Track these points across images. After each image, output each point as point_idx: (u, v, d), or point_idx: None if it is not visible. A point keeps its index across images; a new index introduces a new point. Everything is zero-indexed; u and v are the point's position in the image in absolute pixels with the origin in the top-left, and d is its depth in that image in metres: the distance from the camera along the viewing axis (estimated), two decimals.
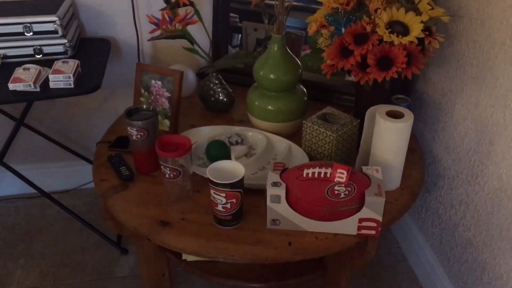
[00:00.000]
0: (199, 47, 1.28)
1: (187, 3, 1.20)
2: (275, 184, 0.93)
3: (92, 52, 1.39)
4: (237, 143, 1.18)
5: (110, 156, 1.16)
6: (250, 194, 1.01)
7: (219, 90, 1.33)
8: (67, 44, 1.31)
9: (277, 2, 1.09)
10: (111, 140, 1.23)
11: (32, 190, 1.45)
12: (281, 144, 1.19)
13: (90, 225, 1.51)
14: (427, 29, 1.05)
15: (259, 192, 1.02)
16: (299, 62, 1.20)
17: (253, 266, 1.15)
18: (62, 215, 1.67)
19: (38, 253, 1.55)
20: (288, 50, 1.18)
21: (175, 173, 0.99)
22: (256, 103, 1.22)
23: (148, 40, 1.27)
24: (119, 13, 1.48)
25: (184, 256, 1.16)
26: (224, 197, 0.92)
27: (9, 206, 1.74)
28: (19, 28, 1.27)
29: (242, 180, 0.93)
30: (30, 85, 1.16)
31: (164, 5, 1.26)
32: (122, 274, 1.48)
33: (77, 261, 1.52)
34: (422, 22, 1.02)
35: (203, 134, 1.22)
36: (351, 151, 1.15)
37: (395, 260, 1.54)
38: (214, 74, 1.33)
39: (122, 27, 1.51)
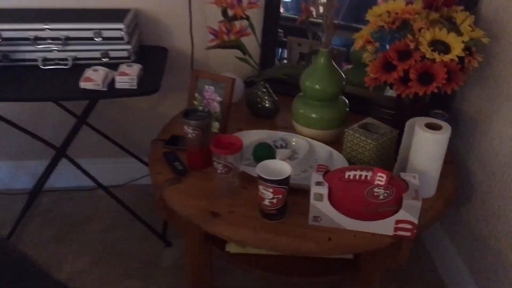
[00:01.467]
0: (250, 57, 1.38)
1: (244, 16, 1.31)
2: (318, 183, 1.01)
3: (151, 58, 1.51)
4: (281, 146, 1.27)
5: (165, 152, 1.27)
6: (292, 194, 1.09)
7: (266, 97, 1.43)
8: (131, 50, 1.44)
9: (325, 19, 1.19)
10: (165, 139, 1.34)
11: (83, 184, 1.56)
12: (323, 149, 1.27)
13: (139, 217, 1.62)
14: (467, 48, 1.12)
15: (301, 193, 1.10)
16: (343, 75, 1.28)
17: (290, 261, 1.23)
18: (111, 207, 1.80)
19: (89, 241, 1.68)
20: (334, 63, 1.27)
21: (226, 169, 1.09)
22: (301, 111, 1.31)
23: (206, 49, 1.38)
24: (176, 24, 1.62)
25: (228, 248, 1.25)
26: (271, 192, 1.01)
27: (64, 197, 1.88)
28: (90, 34, 1.40)
29: (288, 178, 1.01)
30: (98, 85, 1.29)
31: (219, 17, 1.37)
32: (166, 265, 1.58)
33: (124, 250, 1.64)
34: (463, 42, 1.09)
35: (250, 137, 1.32)
36: (389, 160, 1.22)
37: (425, 270, 1.58)
38: (262, 82, 1.43)
39: (178, 37, 1.64)
